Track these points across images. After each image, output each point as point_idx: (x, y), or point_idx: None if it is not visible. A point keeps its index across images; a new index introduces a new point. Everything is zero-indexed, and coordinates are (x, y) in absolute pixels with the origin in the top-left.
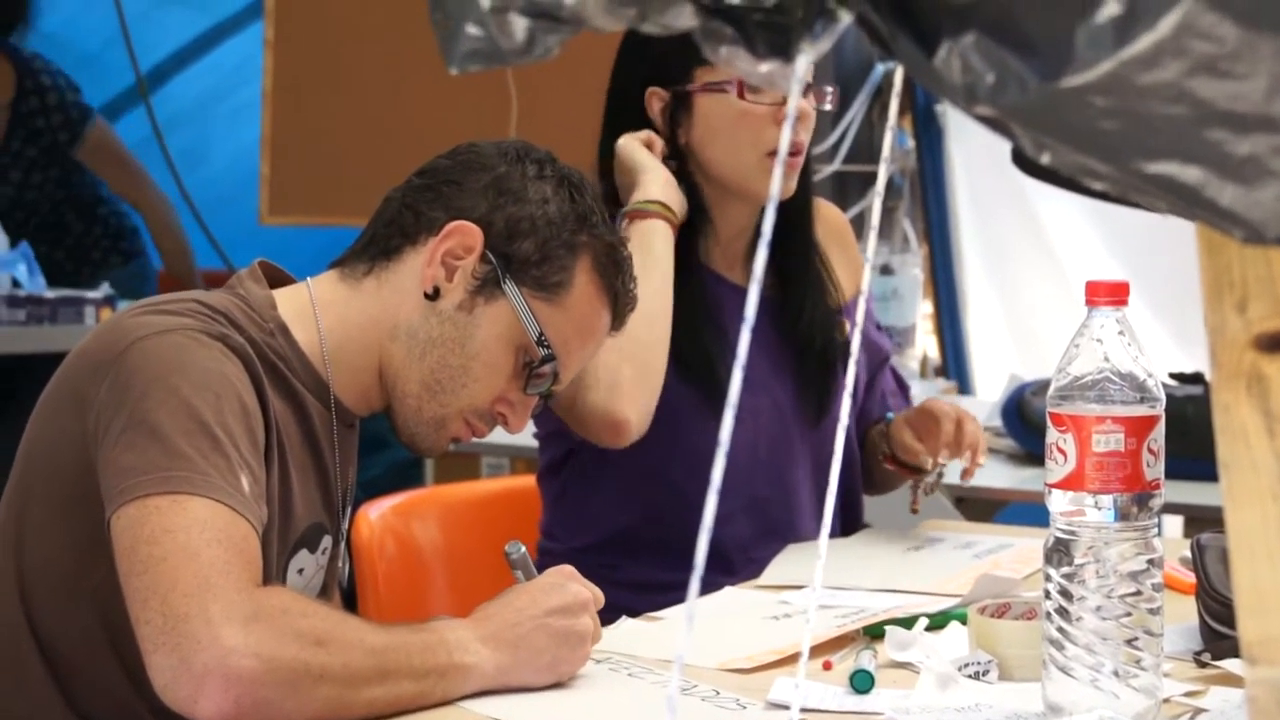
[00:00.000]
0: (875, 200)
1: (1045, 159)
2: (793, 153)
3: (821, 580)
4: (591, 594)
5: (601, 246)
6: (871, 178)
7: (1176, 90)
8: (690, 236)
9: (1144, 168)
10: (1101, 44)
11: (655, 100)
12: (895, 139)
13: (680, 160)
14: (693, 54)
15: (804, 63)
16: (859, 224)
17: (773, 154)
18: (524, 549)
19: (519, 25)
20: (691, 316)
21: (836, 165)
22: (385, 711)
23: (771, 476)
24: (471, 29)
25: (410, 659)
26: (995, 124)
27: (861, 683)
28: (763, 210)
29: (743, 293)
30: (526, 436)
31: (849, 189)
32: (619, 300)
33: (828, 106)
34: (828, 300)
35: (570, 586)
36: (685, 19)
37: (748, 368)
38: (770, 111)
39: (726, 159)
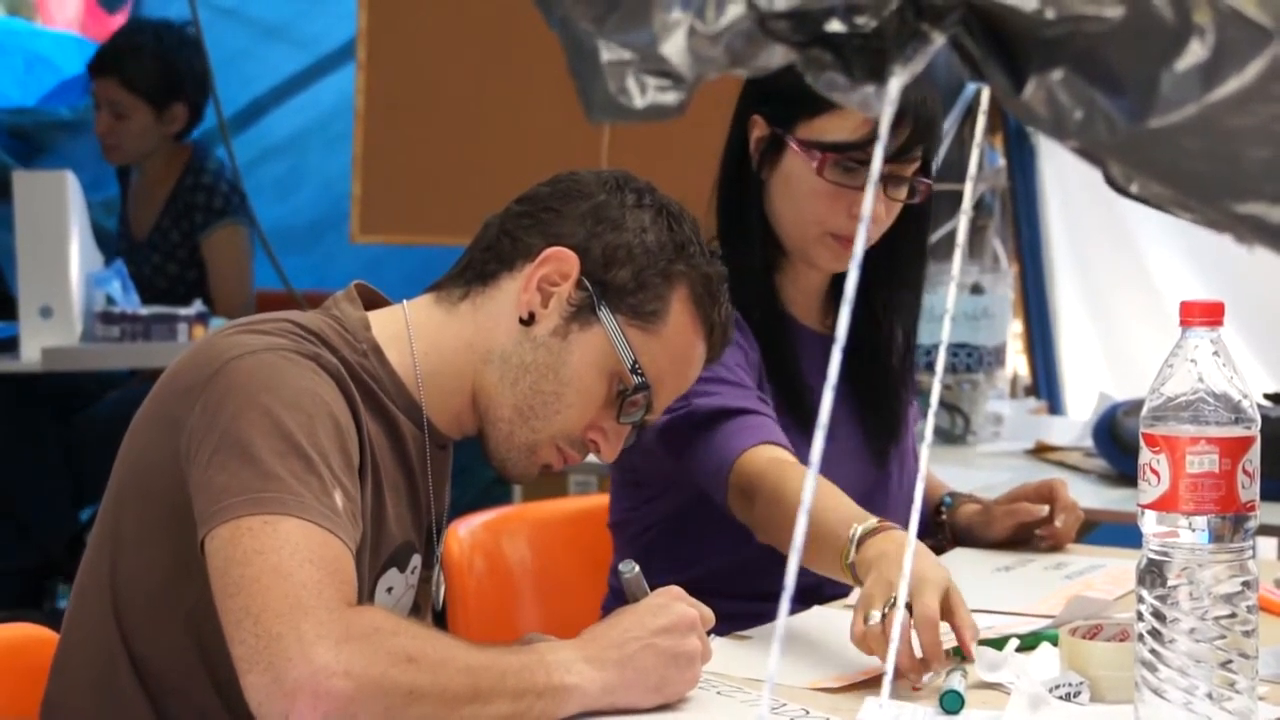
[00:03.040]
0: (962, 219)
1: (1134, 189)
2: (850, 239)
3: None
4: (700, 614)
5: (698, 277)
6: (961, 196)
7: (1264, 133)
8: (769, 277)
9: (1233, 207)
10: (1188, 88)
11: (756, 128)
12: (984, 157)
13: (760, 197)
14: (802, 102)
15: (896, 84)
16: (948, 243)
17: (834, 235)
18: (637, 569)
19: (637, 83)
20: (780, 366)
21: None
22: None
23: None
24: (599, 85)
25: (505, 679)
26: (1085, 154)
27: (951, 703)
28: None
29: (822, 341)
30: None
31: (938, 207)
32: (714, 331)
33: (914, 199)
34: (898, 349)
35: (677, 606)
36: (778, 58)
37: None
38: (844, 196)
39: (790, 223)
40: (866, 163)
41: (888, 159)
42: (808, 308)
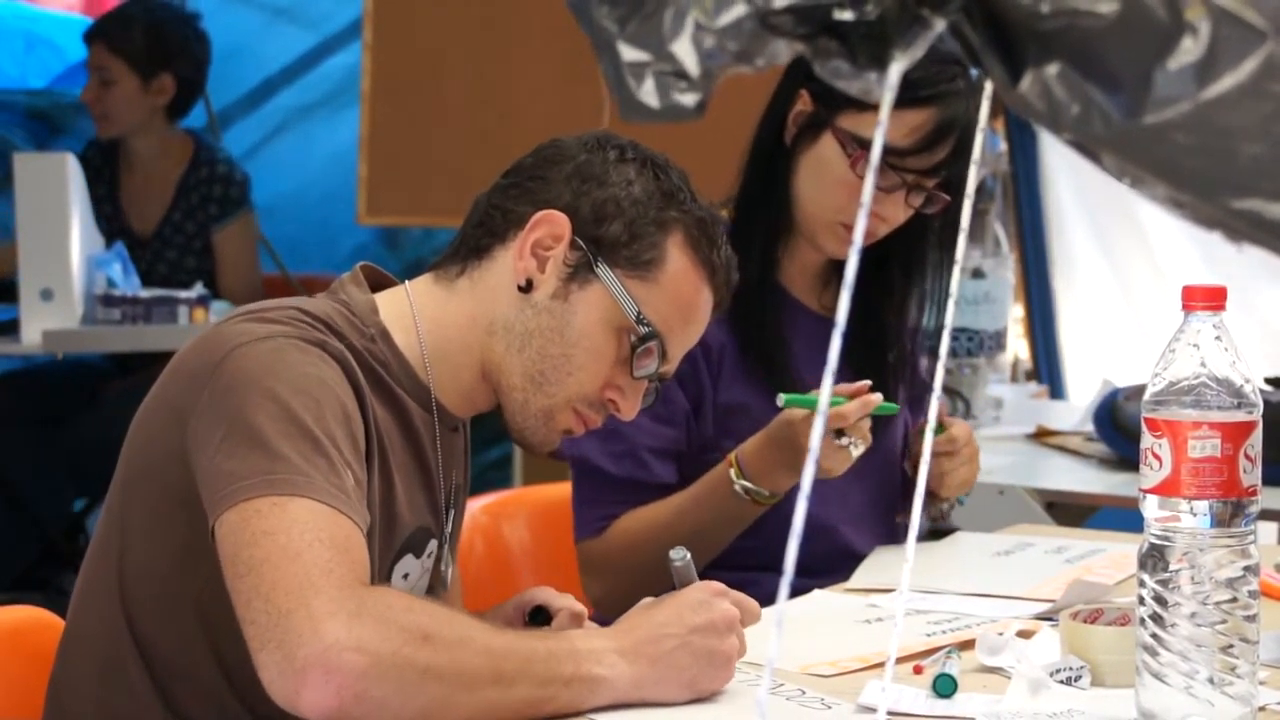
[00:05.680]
0: (965, 203)
1: (1127, 183)
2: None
3: (911, 584)
4: (744, 610)
5: (691, 221)
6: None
7: (1260, 130)
8: (774, 246)
9: (1230, 203)
10: (1182, 85)
11: (800, 102)
12: (986, 141)
13: (787, 169)
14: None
15: (896, 70)
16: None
17: (846, 225)
18: (689, 556)
19: (656, 84)
20: (769, 340)
21: None
22: (502, 716)
23: (836, 498)
24: (625, 85)
25: (531, 665)
26: (1080, 148)
27: (944, 687)
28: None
29: (815, 318)
30: None
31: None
32: (717, 273)
33: (929, 210)
34: (899, 335)
35: (718, 604)
36: (784, 53)
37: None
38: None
39: (809, 203)
40: (900, 169)
41: (921, 171)
42: (805, 285)
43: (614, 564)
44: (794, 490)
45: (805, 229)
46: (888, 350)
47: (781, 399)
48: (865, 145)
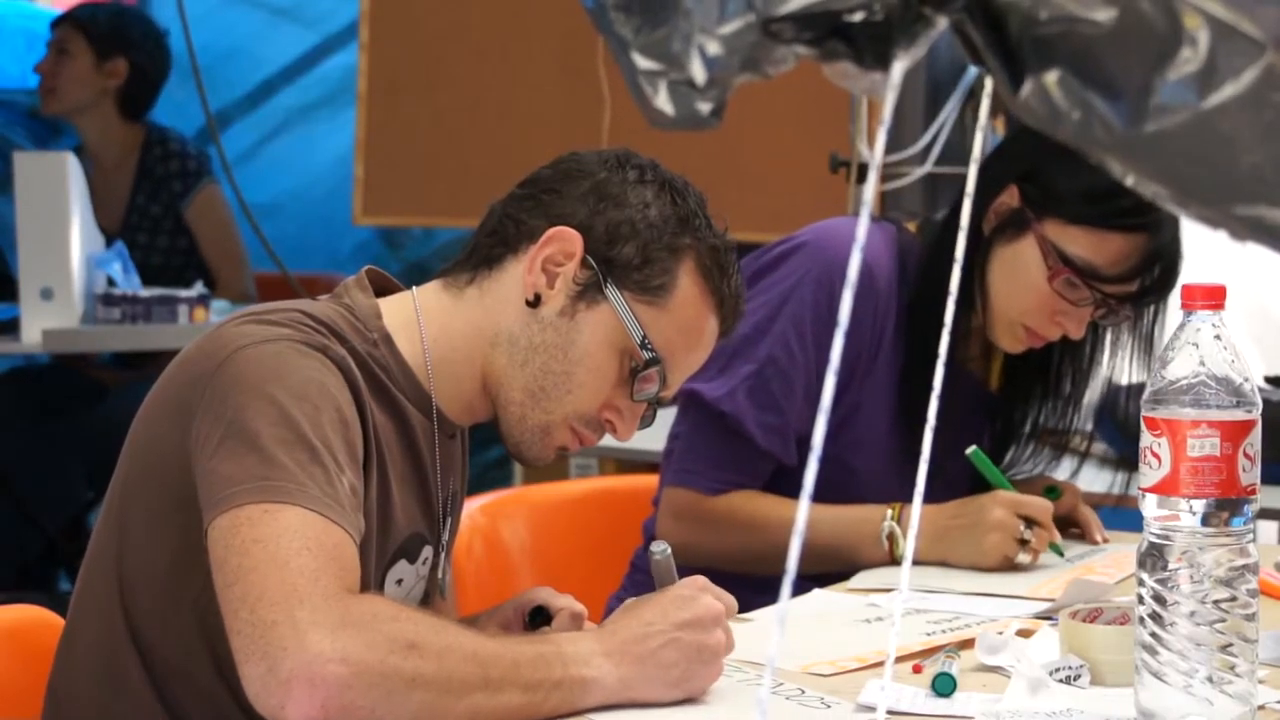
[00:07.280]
0: (965, 202)
1: (1130, 181)
2: (1038, 334)
3: (911, 583)
4: (725, 605)
5: (705, 249)
6: (964, 179)
7: (1260, 139)
8: (962, 314)
9: (1232, 209)
10: (1182, 94)
11: (1007, 194)
12: (987, 140)
13: (982, 254)
14: (1066, 202)
15: (899, 69)
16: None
17: (1027, 329)
18: (669, 550)
19: (669, 92)
20: (920, 397)
21: (928, 167)
22: None
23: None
24: (642, 93)
25: (518, 669)
26: (1084, 151)
27: (943, 686)
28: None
29: (967, 380)
30: (612, 440)
31: (941, 191)
32: (725, 303)
33: (1107, 323)
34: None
35: (702, 599)
36: (790, 61)
37: (953, 449)
38: (1057, 303)
39: (997, 296)
40: (1097, 289)
41: (1118, 295)
42: (965, 347)
43: (716, 525)
44: (819, 481)
45: (985, 316)
46: (1022, 424)
47: (971, 451)
48: (1069, 263)
